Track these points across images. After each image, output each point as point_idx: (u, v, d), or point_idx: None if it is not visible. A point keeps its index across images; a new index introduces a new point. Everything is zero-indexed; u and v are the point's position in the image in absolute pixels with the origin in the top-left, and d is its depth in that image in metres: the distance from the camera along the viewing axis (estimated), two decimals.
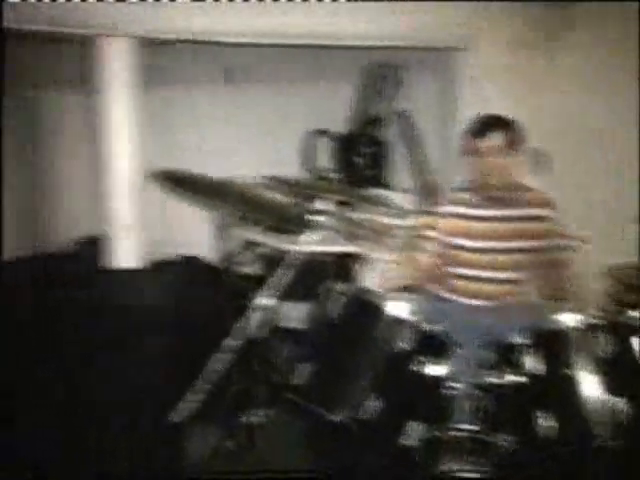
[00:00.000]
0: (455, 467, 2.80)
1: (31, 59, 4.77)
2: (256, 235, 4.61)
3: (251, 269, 4.66)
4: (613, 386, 2.63)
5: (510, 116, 3.41)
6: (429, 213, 3.53)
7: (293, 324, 4.06)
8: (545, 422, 2.63)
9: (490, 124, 3.37)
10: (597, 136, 4.74)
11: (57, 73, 4.92)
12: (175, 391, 3.04)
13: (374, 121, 5.42)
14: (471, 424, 2.87)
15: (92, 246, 4.28)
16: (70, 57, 4.53)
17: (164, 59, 4.81)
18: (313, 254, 3.37)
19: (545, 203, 3.51)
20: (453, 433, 2.82)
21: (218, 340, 3.20)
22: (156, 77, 4.45)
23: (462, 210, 3.46)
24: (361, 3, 4.42)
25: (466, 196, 3.48)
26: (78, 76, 4.47)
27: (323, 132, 5.50)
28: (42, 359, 3.32)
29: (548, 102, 4.71)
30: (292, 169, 5.33)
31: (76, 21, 3.89)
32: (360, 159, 5.26)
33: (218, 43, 4.37)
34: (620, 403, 2.60)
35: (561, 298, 3.64)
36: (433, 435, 2.80)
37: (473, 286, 3.45)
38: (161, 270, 4.15)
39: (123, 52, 4.04)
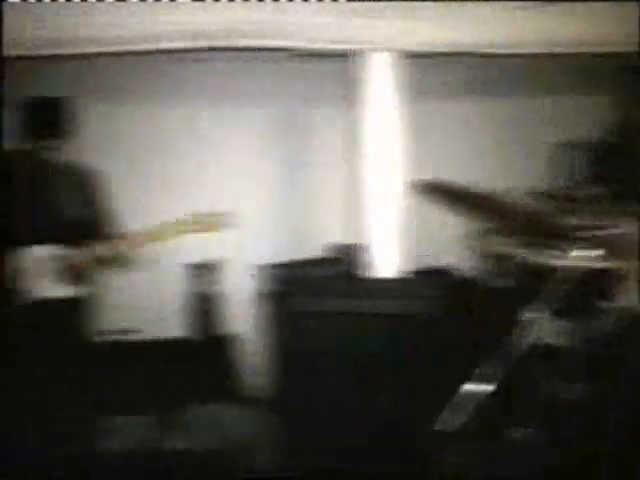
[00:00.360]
0: None
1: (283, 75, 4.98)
2: (514, 249, 4.54)
3: (505, 282, 4.59)
4: None
5: None
6: None
7: (561, 341, 3.96)
8: None
9: None
10: None
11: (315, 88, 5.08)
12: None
13: (637, 128, 5.19)
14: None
15: (350, 254, 4.38)
16: (329, 73, 4.67)
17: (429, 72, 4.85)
18: (580, 270, 3.27)
19: None
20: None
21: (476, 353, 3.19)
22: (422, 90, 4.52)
23: None
24: None
25: None
26: (337, 90, 4.60)
27: (577, 144, 5.33)
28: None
29: None
30: (538, 181, 5.23)
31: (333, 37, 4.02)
32: (622, 171, 5.04)
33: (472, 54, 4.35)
34: None
35: None
36: None
37: None
38: (417, 280, 4.17)
39: (387, 66, 4.11)
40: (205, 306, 4.77)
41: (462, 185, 3.32)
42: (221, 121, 5.14)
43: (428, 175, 4.05)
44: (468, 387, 3.06)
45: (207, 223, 3.81)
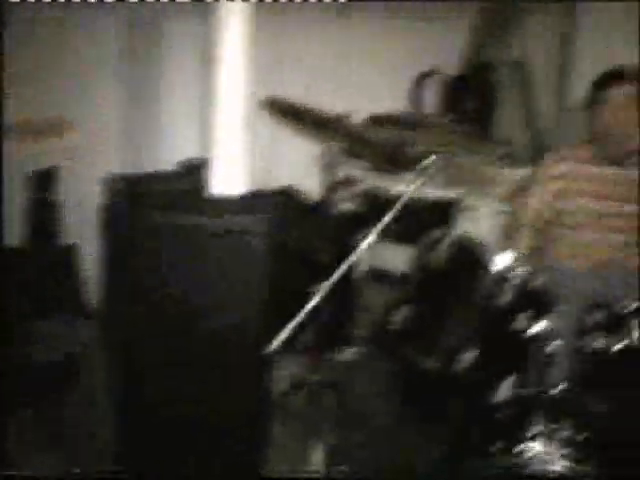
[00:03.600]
0: (545, 427, 2.76)
1: None
2: (359, 172, 4.56)
3: (349, 205, 4.62)
4: None
5: None
6: (539, 169, 3.41)
7: (394, 267, 4.03)
8: None
9: (629, 74, 3.23)
10: None
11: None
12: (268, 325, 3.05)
13: (487, 65, 5.28)
14: (566, 385, 2.82)
15: (194, 171, 4.29)
16: None
17: None
18: (418, 197, 3.30)
19: None
20: (548, 393, 2.77)
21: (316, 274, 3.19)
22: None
23: (577, 169, 3.33)
24: None
25: (583, 154, 3.35)
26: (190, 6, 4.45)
27: (433, 73, 5.37)
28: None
29: None
30: (400, 108, 5.24)
31: None
32: (470, 104, 5.13)
33: None
34: None
35: None
36: (525, 394, 2.75)
37: (582, 249, 3.33)
38: (258, 199, 4.13)
39: None
40: (45, 215, 4.60)
41: (306, 104, 3.27)
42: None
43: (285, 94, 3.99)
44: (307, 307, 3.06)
45: (47, 128, 3.64)
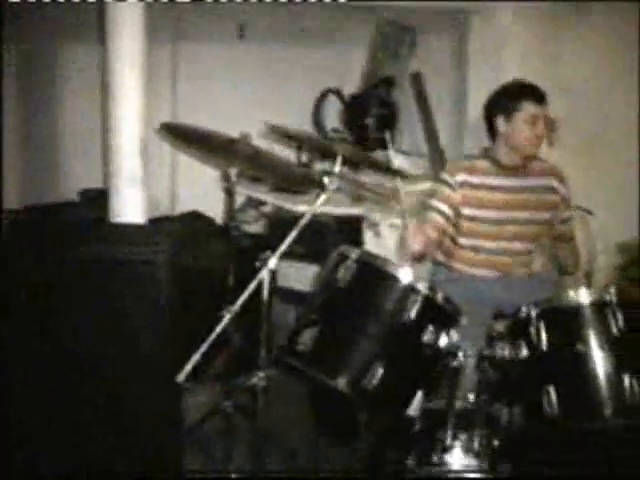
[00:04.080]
0: (458, 439, 2.78)
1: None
2: (261, 193, 4.55)
3: (254, 227, 4.61)
4: (625, 364, 2.58)
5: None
6: (440, 182, 3.46)
7: (299, 286, 4.02)
8: (553, 398, 2.59)
9: (541, 92, 3.30)
10: (617, 106, 4.63)
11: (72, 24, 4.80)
12: (178, 353, 3.00)
13: (386, 82, 5.33)
14: (476, 396, 2.84)
15: (95, 199, 4.22)
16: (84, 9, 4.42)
17: (173, 14, 4.71)
18: (320, 215, 3.31)
19: (554, 173, 3.47)
20: (457, 404, 2.79)
21: (223, 298, 3.17)
22: (166, 33, 4.37)
23: (477, 179, 3.39)
24: None
25: (482, 164, 3.41)
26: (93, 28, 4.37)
27: (333, 91, 5.40)
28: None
29: (568, 69, 4.59)
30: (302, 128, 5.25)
31: None
32: (370, 120, 5.17)
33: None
34: (631, 381, 2.55)
35: (571, 271, 3.61)
36: (436, 406, 2.77)
37: (484, 257, 3.39)
38: (163, 225, 4.09)
39: (132, 6, 3.91)
40: None
41: (203, 128, 3.25)
42: None
43: (186, 119, 3.96)
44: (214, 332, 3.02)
45: None
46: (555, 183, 3.45)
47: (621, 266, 4.43)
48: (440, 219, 3.38)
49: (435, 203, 3.41)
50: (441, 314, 2.73)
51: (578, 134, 4.46)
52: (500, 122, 3.33)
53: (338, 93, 5.42)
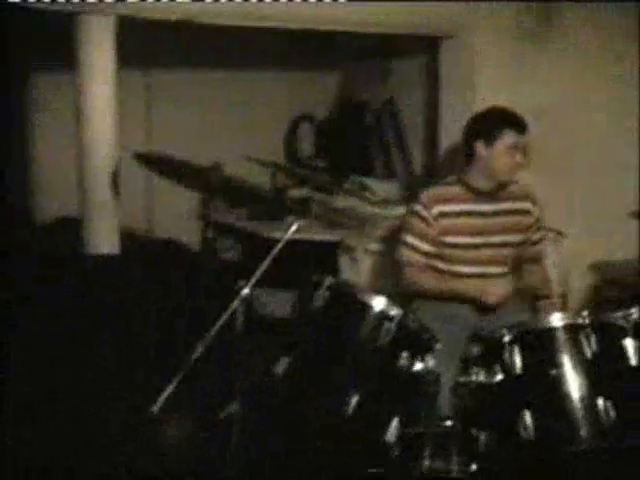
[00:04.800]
0: (436, 464, 2.77)
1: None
2: (236, 221, 4.55)
3: (230, 255, 4.61)
4: (599, 387, 2.59)
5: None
6: (414, 214, 3.41)
7: (274, 313, 4.01)
8: (528, 422, 2.58)
9: (523, 122, 3.31)
10: (590, 128, 4.66)
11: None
12: (154, 383, 2.98)
13: (360, 108, 5.36)
14: (453, 420, 2.84)
15: (68, 227, 4.20)
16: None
17: (144, 40, 4.71)
18: (295, 242, 3.30)
19: (527, 196, 3.48)
20: (435, 429, 2.79)
21: (199, 327, 3.15)
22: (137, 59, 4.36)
23: (453, 208, 3.37)
24: None
25: (456, 190, 3.41)
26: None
27: (306, 118, 5.42)
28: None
29: (540, 92, 4.62)
30: (275, 156, 5.26)
31: None
32: (344, 146, 5.19)
33: (202, 26, 4.26)
34: (606, 405, 2.56)
35: (541, 293, 3.62)
36: (415, 431, 2.76)
37: (462, 282, 3.38)
38: (138, 254, 4.07)
39: (105, 31, 3.91)
40: None
41: (177, 157, 3.25)
42: None
43: (154, 146, 3.96)
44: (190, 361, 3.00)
45: None
46: (528, 205, 3.46)
47: (598, 287, 4.45)
48: (416, 256, 3.35)
49: (410, 239, 3.37)
50: (415, 340, 2.74)
51: (549, 155, 4.48)
52: (480, 147, 3.32)
53: (311, 119, 5.45)
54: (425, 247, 3.34)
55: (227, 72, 5.40)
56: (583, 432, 2.54)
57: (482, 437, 2.72)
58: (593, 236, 4.38)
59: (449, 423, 2.86)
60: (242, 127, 5.30)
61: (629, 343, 2.67)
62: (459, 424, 2.84)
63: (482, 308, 3.27)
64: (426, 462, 2.77)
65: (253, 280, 3.00)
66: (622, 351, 2.67)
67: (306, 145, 5.45)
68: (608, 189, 4.62)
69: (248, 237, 4.56)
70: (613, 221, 4.49)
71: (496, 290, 3.25)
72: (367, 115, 5.38)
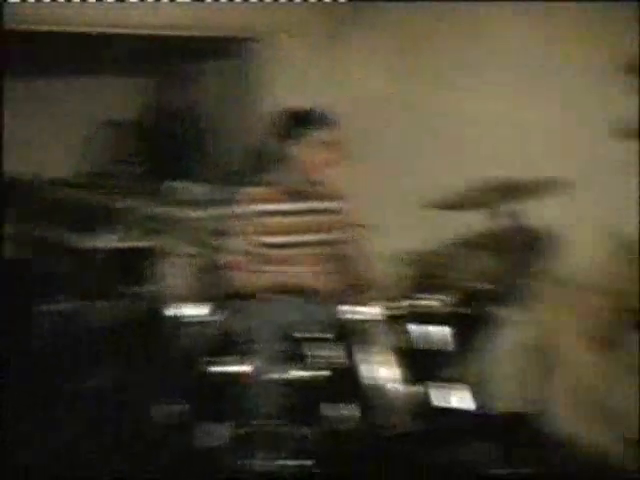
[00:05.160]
0: (260, 462, 2.79)
1: None
2: (53, 232, 4.40)
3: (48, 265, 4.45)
4: (411, 374, 2.69)
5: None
6: (232, 215, 3.42)
7: (93, 324, 3.90)
8: (345, 413, 2.65)
9: (332, 118, 3.35)
10: (398, 123, 4.78)
11: None
12: None
13: (171, 112, 5.32)
14: (273, 418, 2.86)
15: None
16: None
17: None
18: (111, 251, 3.25)
19: (337, 194, 3.56)
20: (256, 428, 2.80)
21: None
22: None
23: (269, 207, 3.40)
24: None
25: (273, 190, 3.44)
26: None
27: (115, 123, 5.31)
28: None
29: (348, 90, 4.70)
30: (84, 164, 5.12)
31: None
32: (156, 150, 5.13)
33: None
34: (418, 391, 2.66)
35: (358, 289, 3.70)
36: (237, 432, 2.78)
37: (282, 281, 3.40)
38: None
39: None
40: None
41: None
42: None
43: None
44: None
45: None
46: (338, 204, 3.54)
47: (411, 277, 4.57)
48: (235, 256, 3.37)
49: (228, 240, 3.39)
50: (233, 343, 2.76)
51: (360, 150, 4.58)
52: (289, 146, 3.37)
53: (119, 124, 5.34)
54: (243, 247, 3.36)
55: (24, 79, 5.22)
56: (395, 418, 2.63)
57: (308, 433, 2.77)
58: (405, 228, 4.50)
59: (275, 422, 2.89)
60: (47, 135, 5.14)
61: (443, 330, 2.80)
62: (285, 422, 2.87)
63: (300, 305, 3.33)
64: (256, 461, 2.78)
65: (69, 291, 2.94)
66: (436, 338, 2.79)
67: (117, 151, 5.35)
68: (415, 182, 4.76)
69: (65, 250, 4.42)
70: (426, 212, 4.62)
71: (313, 286, 3.30)
72: (179, 119, 5.35)
